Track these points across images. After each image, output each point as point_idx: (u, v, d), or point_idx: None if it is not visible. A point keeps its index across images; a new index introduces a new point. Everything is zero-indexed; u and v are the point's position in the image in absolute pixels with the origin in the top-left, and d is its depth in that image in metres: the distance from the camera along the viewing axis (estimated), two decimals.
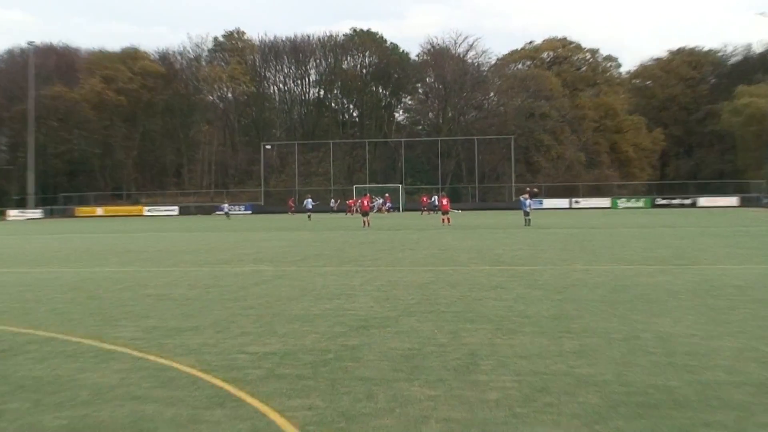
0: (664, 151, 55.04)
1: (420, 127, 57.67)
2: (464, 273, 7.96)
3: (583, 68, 57.91)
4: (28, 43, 50.47)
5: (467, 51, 55.42)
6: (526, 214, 20.36)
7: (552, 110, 52.07)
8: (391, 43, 58.43)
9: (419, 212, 36.67)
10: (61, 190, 49.61)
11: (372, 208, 42.49)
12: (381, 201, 41.81)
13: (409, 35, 78.23)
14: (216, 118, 55.95)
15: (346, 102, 58.57)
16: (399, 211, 42.77)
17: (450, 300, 5.94)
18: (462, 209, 35.45)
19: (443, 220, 21.85)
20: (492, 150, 49.47)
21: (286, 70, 57.46)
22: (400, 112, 58.35)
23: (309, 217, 30.82)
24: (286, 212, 40.84)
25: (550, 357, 3.80)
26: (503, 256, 10.02)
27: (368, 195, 23.15)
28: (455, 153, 50.96)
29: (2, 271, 9.19)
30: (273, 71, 57.95)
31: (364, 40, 57.40)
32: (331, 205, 41.94)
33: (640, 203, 42.19)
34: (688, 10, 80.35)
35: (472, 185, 46.75)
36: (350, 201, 42.12)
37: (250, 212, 45.07)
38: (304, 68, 57.11)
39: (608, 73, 58.31)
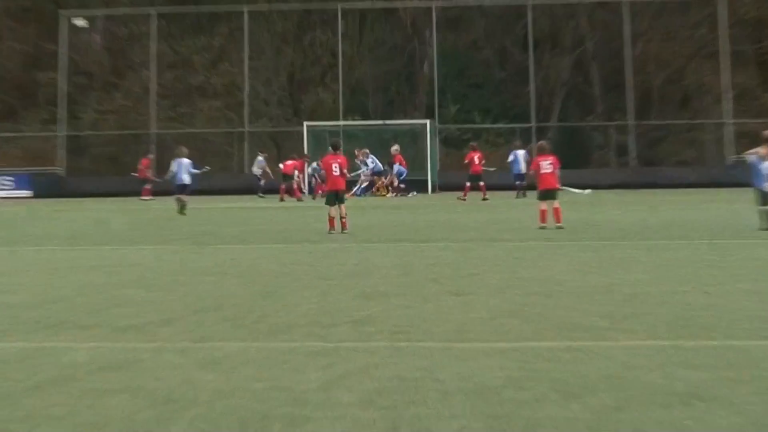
0: None
1: None
2: (605, 357, 7.96)
3: None
4: None
5: None
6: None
7: None
8: None
9: (473, 195, 36.72)
10: None
11: (359, 188, 42.21)
12: (372, 164, 40.98)
13: None
14: None
15: None
16: (427, 189, 42.18)
17: None
18: (592, 187, 35.29)
19: (543, 213, 22.19)
20: (667, 28, 49.04)
21: None
22: None
23: (180, 205, 31.16)
24: (137, 193, 40.74)
25: None
26: (711, 316, 10.04)
27: (339, 151, 22.18)
28: (573, 38, 49.92)
29: None
30: None
31: None
32: (255, 172, 41.74)
33: None
34: None
35: (620, 122, 46.27)
36: (289, 163, 41.34)
37: (29, 193, 44.95)
38: None
39: None
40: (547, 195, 22.14)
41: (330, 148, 22.53)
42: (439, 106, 47.25)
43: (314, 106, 49.40)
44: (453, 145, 47.24)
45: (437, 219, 26.10)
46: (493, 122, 47.98)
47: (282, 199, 38.15)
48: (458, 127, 48.45)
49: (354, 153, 39.99)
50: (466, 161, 37.60)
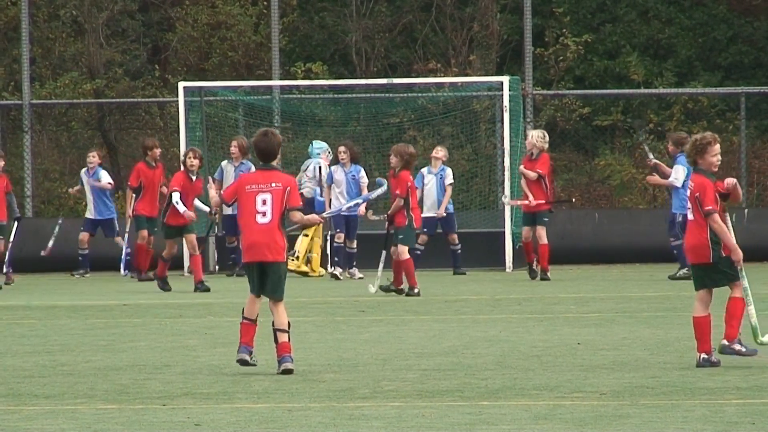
0: None
1: None
2: None
3: None
4: None
5: None
6: None
7: None
8: None
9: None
10: None
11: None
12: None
13: None
14: None
15: None
16: (503, 257, 22.96)
17: None
18: None
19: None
20: None
21: None
22: None
23: None
24: None
25: None
26: None
27: (275, 161, 9.61)
28: None
29: None
30: None
31: None
32: None
33: None
34: None
35: None
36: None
37: None
38: None
39: None
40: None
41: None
42: (537, 44, 29.00)
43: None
44: (572, 139, 30.74)
45: None
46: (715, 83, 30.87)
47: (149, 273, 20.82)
48: (598, 93, 30.82)
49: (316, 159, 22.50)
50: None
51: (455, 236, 21.88)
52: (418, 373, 8.70)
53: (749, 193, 27.66)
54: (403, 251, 16.84)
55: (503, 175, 23.92)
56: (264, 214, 8.81)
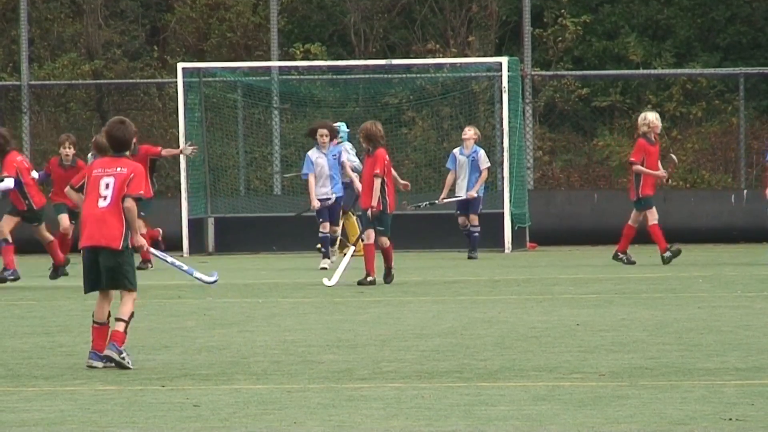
0: None
1: None
2: None
3: None
4: None
5: None
6: None
7: None
8: None
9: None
10: None
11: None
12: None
13: None
14: None
15: None
16: (502, 238, 23.64)
17: None
18: None
19: None
20: None
21: None
22: None
23: None
24: None
25: None
26: None
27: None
28: None
29: None
30: None
31: None
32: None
33: None
34: None
35: None
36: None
37: None
38: None
39: None
40: None
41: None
42: (536, 24, 29.36)
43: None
44: (571, 120, 30.51)
45: None
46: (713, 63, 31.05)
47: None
48: (596, 74, 31.10)
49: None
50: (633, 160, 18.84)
51: (476, 218, 21.39)
52: (417, 354, 8.63)
53: (748, 173, 27.53)
54: (369, 236, 15.89)
55: (502, 155, 23.75)
56: (105, 198, 8.48)
